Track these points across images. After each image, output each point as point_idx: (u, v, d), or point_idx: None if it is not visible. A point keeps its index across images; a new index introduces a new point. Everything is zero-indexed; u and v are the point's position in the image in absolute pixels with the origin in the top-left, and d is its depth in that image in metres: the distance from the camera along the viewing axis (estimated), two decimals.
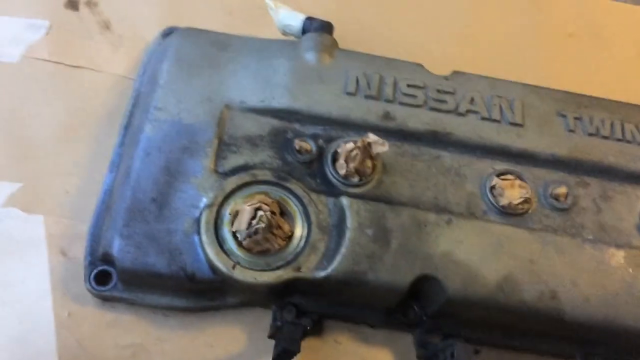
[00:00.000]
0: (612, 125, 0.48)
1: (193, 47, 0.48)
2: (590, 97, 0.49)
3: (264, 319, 0.43)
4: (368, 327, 0.45)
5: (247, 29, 0.55)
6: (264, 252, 0.41)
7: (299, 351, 0.38)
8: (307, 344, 0.44)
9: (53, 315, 0.42)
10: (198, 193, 0.42)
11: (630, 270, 0.43)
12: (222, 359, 0.43)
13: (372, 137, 0.41)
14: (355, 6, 0.60)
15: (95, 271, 0.42)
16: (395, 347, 0.45)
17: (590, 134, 0.47)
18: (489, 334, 0.44)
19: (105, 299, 0.43)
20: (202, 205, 0.41)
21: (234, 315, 0.44)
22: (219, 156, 0.44)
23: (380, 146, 0.41)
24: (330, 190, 0.43)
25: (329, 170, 0.44)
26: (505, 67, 0.57)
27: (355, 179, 0.44)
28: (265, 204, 0.40)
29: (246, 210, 0.39)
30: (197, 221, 0.41)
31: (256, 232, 0.39)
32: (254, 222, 0.39)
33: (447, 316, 0.43)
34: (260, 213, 0.39)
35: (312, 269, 0.40)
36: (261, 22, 0.57)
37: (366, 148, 0.42)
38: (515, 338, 0.44)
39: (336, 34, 0.52)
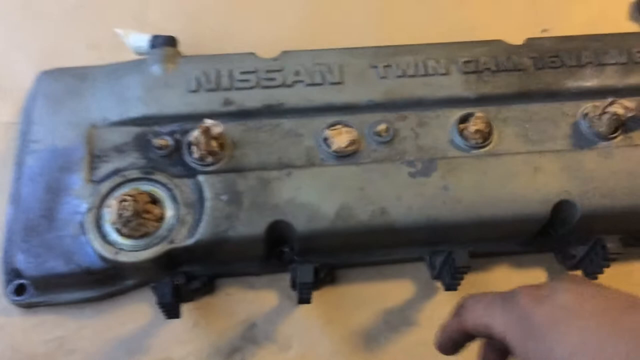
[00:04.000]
0: (416, 65, 0.57)
1: (58, 83, 0.57)
2: (397, 46, 0.58)
3: None
4: (253, 276, 0.54)
5: (114, 57, 0.63)
6: (143, 236, 0.49)
7: (170, 301, 0.46)
8: (202, 303, 0.53)
9: None
10: (79, 202, 0.51)
11: (445, 176, 0.52)
12: (134, 333, 0.52)
13: (207, 122, 0.50)
14: (200, 17, 0.68)
15: (11, 286, 0.51)
16: (278, 286, 0.54)
17: (399, 76, 0.56)
18: (349, 256, 0.53)
19: (27, 306, 0.51)
20: (83, 210, 0.50)
21: (139, 295, 0.53)
22: (92, 168, 0.52)
23: (216, 127, 0.50)
24: (190, 173, 0.52)
25: (186, 157, 0.52)
26: (336, 36, 0.66)
27: (210, 159, 0.52)
28: (130, 195, 0.48)
29: (113, 204, 0.48)
30: (82, 224, 0.49)
31: (128, 219, 0.48)
32: (121, 212, 0.47)
33: (310, 250, 0.52)
34: (125, 203, 0.47)
35: (183, 239, 0.49)
36: (124, 49, 0.65)
37: (206, 132, 0.50)
38: (371, 255, 0.53)
39: (188, 43, 0.61)
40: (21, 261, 0.49)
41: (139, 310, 0.52)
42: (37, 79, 0.59)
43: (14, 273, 0.50)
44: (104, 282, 0.51)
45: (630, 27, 0.69)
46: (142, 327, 0.52)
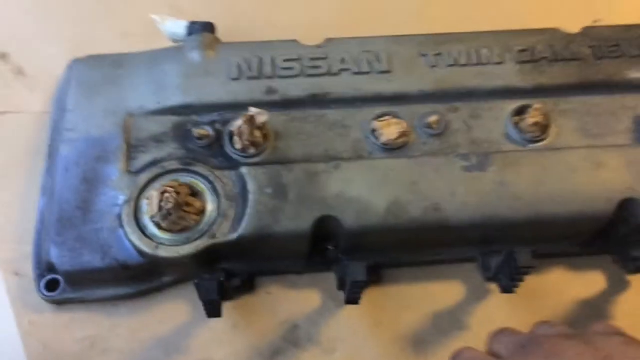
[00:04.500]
0: (468, 53, 0.54)
1: (92, 71, 0.54)
2: (447, 34, 0.55)
3: None
4: (294, 275, 0.51)
5: (147, 45, 0.61)
6: (183, 230, 0.47)
7: (216, 298, 0.44)
8: (242, 302, 0.50)
9: (17, 326, 0.48)
10: (116, 193, 0.48)
11: (502, 171, 0.49)
12: (172, 332, 0.49)
13: (252, 110, 0.47)
14: (236, 3, 0.66)
15: (43, 281, 0.48)
16: (321, 285, 0.51)
17: (450, 65, 0.53)
18: (397, 256, 0.50)
19: (59, 303, 0.49)
20: (120, 202, 0.47)
21: (176, 292, 0.50)
22: (129, 158, 0.50)
23: (262, 116, 0.47)
24: (232, 165, 0.49)
25: (228, 148, 0.50)
26: (380, 22, 0.63)
27: (252, 150, 0.49)
28: (171, 187, 0.46)
29: (154, 196, 0.45)
30: (119, 217, 0.47)
31: (168, 212, 0.45)
32: (163, 204, 0.45)
33: (357, 248, 0.49)
34: (166, 195, 0.45)
35: (225, 234, 0.46)
36: (156, 37, 0.63)
37: (250, 120, 0.48)
38: (419, 254, 0.50)
39: (226, 30, 0.59)
40: (55, 255, 0.47)
41: (175, 309, 0.49)
42: (70, 66, 0.57)
43: (47, 267, 0.48)
44: (140, 278, 0.48)
45: None
46: (179, 327, 0.49)
